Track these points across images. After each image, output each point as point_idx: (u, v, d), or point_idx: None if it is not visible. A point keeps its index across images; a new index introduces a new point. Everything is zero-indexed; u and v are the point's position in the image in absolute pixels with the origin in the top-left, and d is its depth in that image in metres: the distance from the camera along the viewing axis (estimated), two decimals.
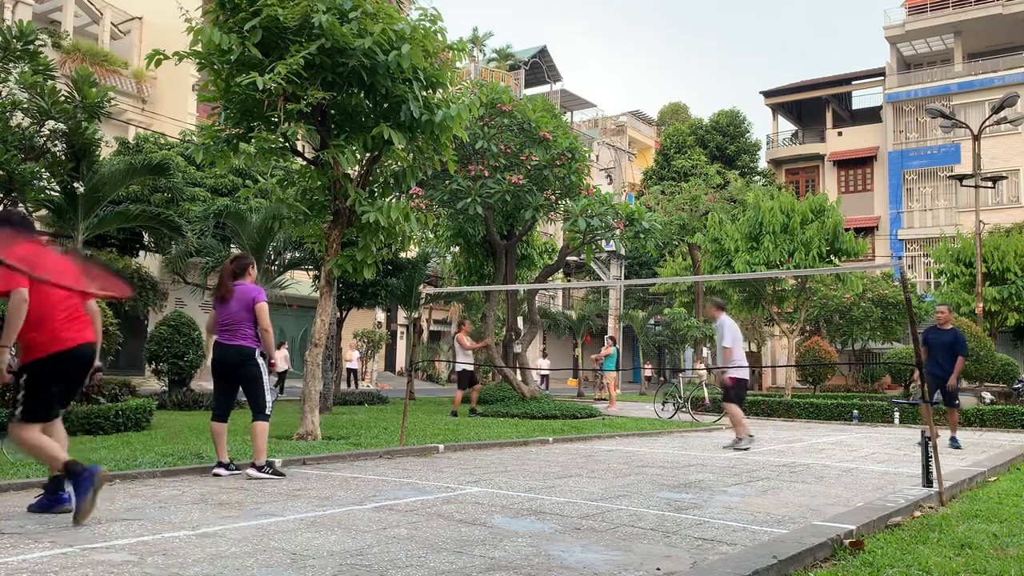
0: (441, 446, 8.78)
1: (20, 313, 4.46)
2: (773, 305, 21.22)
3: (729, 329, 10.20)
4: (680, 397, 16.26)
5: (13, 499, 5.18)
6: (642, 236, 16.94)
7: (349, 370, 26.19)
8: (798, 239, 19.18)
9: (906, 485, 6.69)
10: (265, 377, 6.50)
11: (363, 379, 29.57)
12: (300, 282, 21.59)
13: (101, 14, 29.05)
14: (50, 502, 4.69)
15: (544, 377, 33.88)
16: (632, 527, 4.68)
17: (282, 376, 20.93)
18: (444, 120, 9.00)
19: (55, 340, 4.61)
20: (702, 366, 35.97)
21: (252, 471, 6.37)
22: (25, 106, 12.30)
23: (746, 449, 9.87)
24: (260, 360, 6.48)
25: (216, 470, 6.42)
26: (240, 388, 6.56)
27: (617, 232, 16.64)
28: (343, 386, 22.80)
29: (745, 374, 10.32)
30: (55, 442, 4.65)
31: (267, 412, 6.47)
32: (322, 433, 9.32)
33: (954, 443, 10.47)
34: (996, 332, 23.62)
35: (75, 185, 13.15)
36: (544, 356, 38.09)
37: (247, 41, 8.19)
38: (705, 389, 17.39)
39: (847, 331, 30.57)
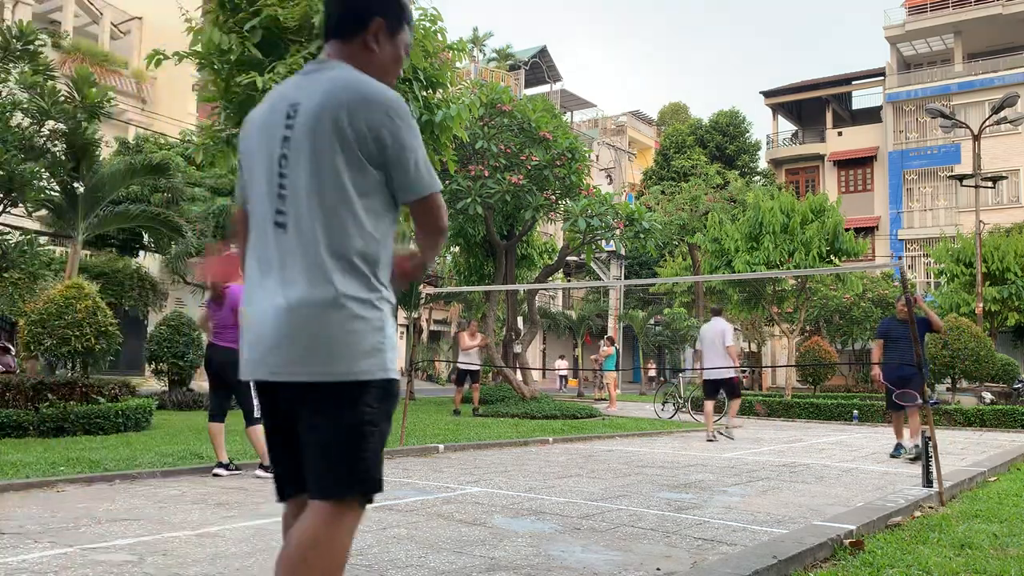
0: (441, 446, 8.78)
1: None
2: (773, 305, 21.20)
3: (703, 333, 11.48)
4: (680, 397, 16.26)
5: (13, 499, 5.18)
6: (642, 236, 16.93)
7: None
8: (798, 239, 19.17)
9: (906, 485, 6.69)
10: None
11: None
12: None
13: (101, 14, 29.06)
14: None
15: (563, 378, 34.01)
16: (632, 527, 4.67)
17: None
18: (444, 120, 9.02)
19: None
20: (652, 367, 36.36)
21: (260, 471, 6.44)
22: (25, 106, 12.29)
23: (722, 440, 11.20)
24: None
25: (216, 470, 6.44)
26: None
27: (617, 232, 16.64)
28: None
29: (710, 375, 11.21)
30: None
31: (256, 415, 6.50)
32: None
33: (899, 450, 9.07)
34: (996, 332, 23.60)
35: (75, 185, 13.13)
36: (561, 358, 38.37)
37: (247, 41, 8.20)
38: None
39: (847, 331, 30.55)
